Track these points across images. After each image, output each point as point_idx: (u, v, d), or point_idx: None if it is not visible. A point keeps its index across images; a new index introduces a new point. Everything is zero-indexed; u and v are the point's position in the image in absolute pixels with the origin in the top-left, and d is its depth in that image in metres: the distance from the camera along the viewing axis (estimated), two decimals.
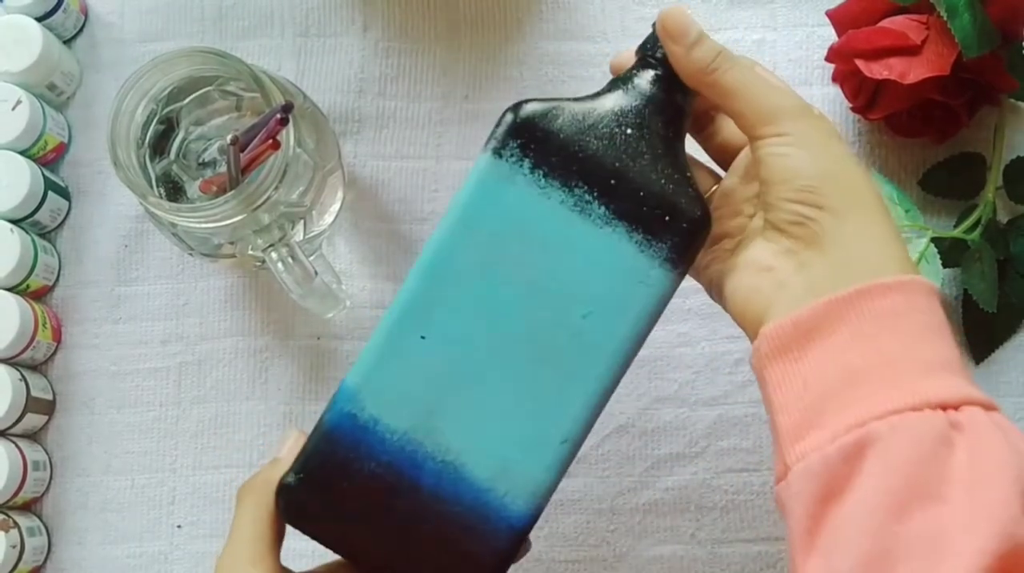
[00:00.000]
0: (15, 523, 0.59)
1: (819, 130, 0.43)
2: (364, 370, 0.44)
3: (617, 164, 0.44)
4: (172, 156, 0.57)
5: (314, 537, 0.44)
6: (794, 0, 0.66)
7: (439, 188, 0.65)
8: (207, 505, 0.63)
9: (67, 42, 0.67)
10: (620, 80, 0.46)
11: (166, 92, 0.56)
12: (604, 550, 0.62)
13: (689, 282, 0.46)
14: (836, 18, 0.62)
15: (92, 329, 0.65)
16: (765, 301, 0.43)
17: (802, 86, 0.65)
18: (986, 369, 0.63)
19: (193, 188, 0.56)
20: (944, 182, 0.63)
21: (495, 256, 0.44)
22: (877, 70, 0.58)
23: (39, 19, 0.63)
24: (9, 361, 0.61)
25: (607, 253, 0.44)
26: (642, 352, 0.45)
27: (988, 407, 0.39)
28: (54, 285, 0.65)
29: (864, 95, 0.61)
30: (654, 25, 0.46)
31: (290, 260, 0.55)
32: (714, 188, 0.48)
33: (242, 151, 0.52)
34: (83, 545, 0.63)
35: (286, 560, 0.45)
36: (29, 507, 0.63)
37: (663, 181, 0.44)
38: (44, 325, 0.62)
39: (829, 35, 0.63)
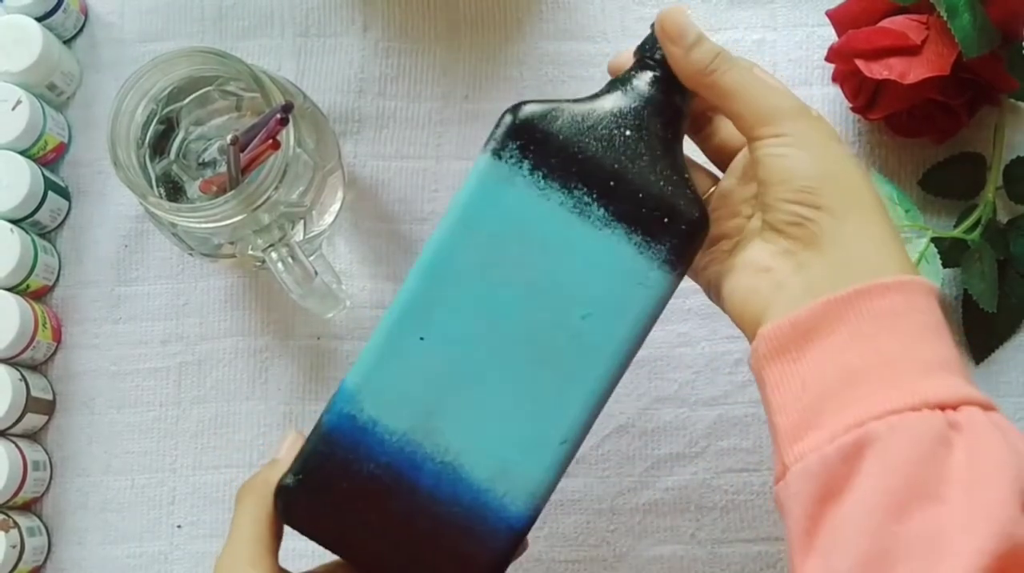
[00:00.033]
0: (15, 523, 0.59)
1: (817, 131, 0.43)
2: (363, 371, 0.44)
3: (616, 166, 0.44)
4: (172, 156, 0.57)
5: (313, 538, 0.44)
6: (794, 0, 0.66)
7: (439, 188, 0.65)
8: (207, 505, 0.63)
9: (67, 42, 0.67)
10: (619, 81, 0.46)
11: (166, 92, 0.56)
12: (604, 550, 0.62)
13: (689, 282, 0.46)
14: (836, 18, 0.62)
15: (92, 329, 0.65)
16: (763, 302, 0.43)
17: (802, 86, 0.65)
18: (986, 369, 0.63)
19: (193, 188, 0.56)
20: (944, 182, 0.63)
21: (495, 257, 0.44)
22: (877, 70, 0.58)
23: (39, 19, 0.63)
24: (9, 361, 0.61)
25: (606, 254, 0.44)
26: (642, 352, 0.45)
27: (987, 407, 0.39)
28: (54, 285, 0.65)
29: (864, 95, 0.61)
30: (652, 26, 0.46)
31: (290, 260, 0.55)
32: (712, 189, 0.48)
33: (242, 151, 0.52)
34: (83, 545, 0.63)
35: (285, 560, 0.45)
36: (29, 507, 0.63)
37: (662, 183, 0.44)
38: (44, 325, 0.62)
39: (829, 35, 0.63)
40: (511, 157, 0.44)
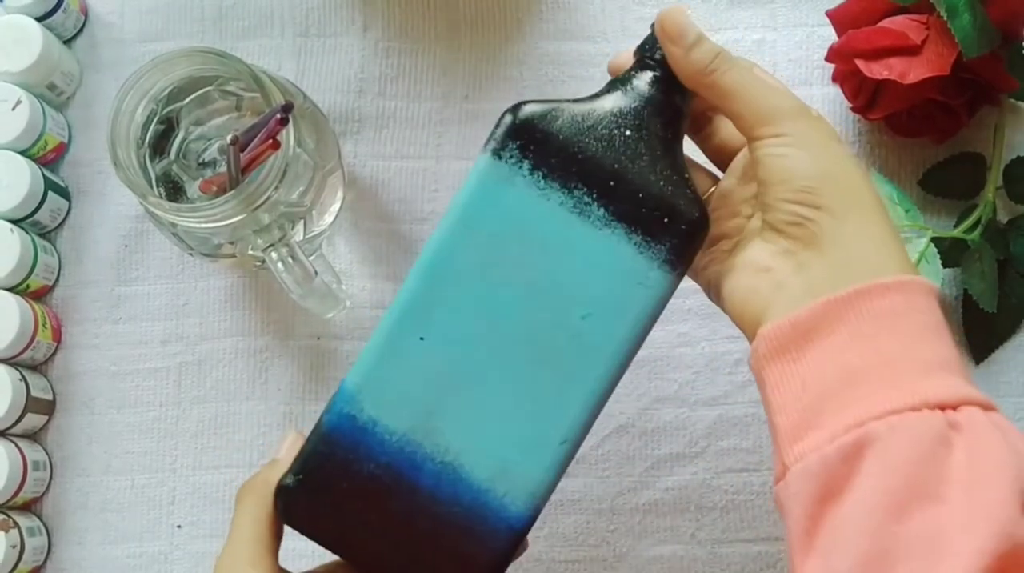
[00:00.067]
0: (15, 523, 0.59)
1: (817, 131, 0.43)
2: (363, 371, 0.44)
3: (616, 166, 0.44)
4: (172, 156, 0.57)
5: (313, 538, 0.44)
6: (794, 0, 0.66)
7: (439, 188, 0.65)
8: (207, 505, 0.63)
9: (67, 42, 0.67)
10: (619, 81, 0.46)
11: (166, 92, 0.56)
12: (604, 550, 0.62)
13: (689, 282, 0.46)
14: (836, 18, 0.62)
15: (92, 329, 0.65)
16: (763, 302, 0.43)
17: (802, 86, 0.65)
18: (986, 369, 0.63)
19: (193, 188, 0.56)
20: (944, 182, 0.63)
21: (495, 257, 0.44)
22: (877, 70, 0.58)
23: (39, 19, 0.63)
24: (9, 361, 0.61)
25: (606, 254, 0.44)
26: (642, 352, 0.45)
27: (986, 407, 0.39)
28: (54, 285, 0.65)
29: (864, 95, 0.61)
30: (652, 26, 0.46)
31: (290, 260, 0.55)
32: (712, 189, 0.48)
33: (242, 151, 0.52)
34: (83, 545, 0.63)
35: (285, 560, 0.45)
36: (29, 507, 0.63)
37: (662, 183, 0.44)
38: (44, 325, 0.62)
39: (829, 35, 0.63)
40: (511, 157, 0.44)
